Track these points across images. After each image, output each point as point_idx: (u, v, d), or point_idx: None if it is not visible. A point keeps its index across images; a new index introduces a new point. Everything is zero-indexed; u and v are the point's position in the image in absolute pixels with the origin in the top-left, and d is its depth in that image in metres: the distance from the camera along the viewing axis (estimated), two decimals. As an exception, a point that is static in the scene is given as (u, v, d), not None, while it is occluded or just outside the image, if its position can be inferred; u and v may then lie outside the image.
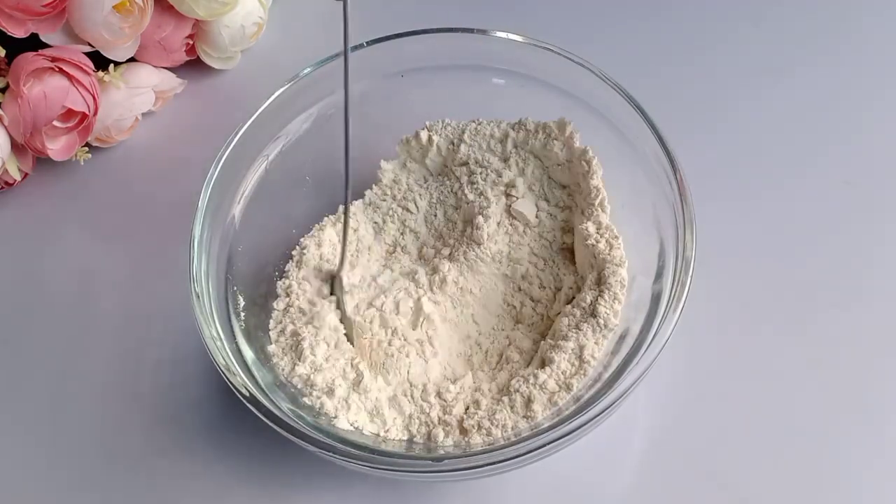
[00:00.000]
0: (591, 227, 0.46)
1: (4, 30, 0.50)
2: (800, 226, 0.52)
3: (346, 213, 0.43)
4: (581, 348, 0.42)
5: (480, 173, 0.49)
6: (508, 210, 0.48)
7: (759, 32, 0.61)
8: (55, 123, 0.52)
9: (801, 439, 0.46)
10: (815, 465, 0.45)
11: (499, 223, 0.48)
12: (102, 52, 0.54)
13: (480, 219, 0.47)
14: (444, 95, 0.49)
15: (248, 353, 0.43)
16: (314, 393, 0.42)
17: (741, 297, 0.50)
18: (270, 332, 0.44)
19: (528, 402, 0.41)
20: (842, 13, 0.61)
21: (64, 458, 0.47)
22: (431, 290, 0.46)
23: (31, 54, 0.51)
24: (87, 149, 0.55)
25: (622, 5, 0.63)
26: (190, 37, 0.58)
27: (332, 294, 0.46)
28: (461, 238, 0.49)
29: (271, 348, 0.44)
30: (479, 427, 0.41)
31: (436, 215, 0.50)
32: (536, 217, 0.48)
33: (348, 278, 0.46)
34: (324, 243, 0.47)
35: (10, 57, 0.52)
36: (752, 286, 0.50)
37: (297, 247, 0.47)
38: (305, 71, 0.48)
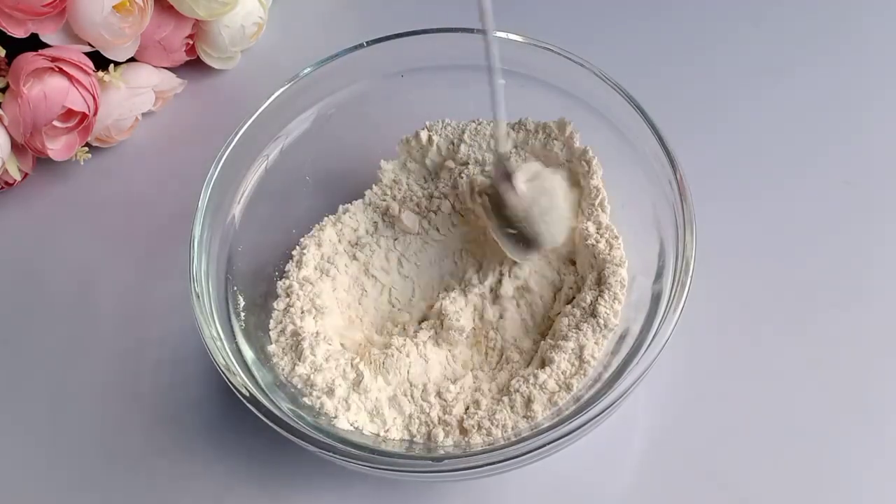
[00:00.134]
0: (591, 227, 0.46)
1: (4, 30, 0.50)
2: (800, 226, 0.52)
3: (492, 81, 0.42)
4: (581, 348, 0.42)
5: (480, 173, 0.49)
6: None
7: (759, 32, 0.61)
8: (55, 123, 0.52)
9: (801, 439, 0.46)
10: (815, 465, 0.45)
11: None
12: (102, 52, 0.54)
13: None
14: (444, 95, 0.49)
15: (248, 353, 0.43)
16: (314, 393, 0.42)
17: (741, 297, 0.50)
18: (270, 332, 0.44)
19: (528, 402, 0.41)
20: (842, 13, 0.61)
21: (64, 458, 0.47)
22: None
23: (31, 54, 0.51)
24: (87, 149, 0.55)
25: (622, 5, 0.63)
26: (190, 37, 0.58)
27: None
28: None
29: (271, 348, 0.44)
30: (479, 427, 0.41)
31: (438, 229, 0.50)
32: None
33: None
34: (324, 243, 0.47)
35: (10, 57, 0.52)
36: (752, 286, 0.50)
37: (297, 247, 0.47)
38: (305, 71, 0.47)
